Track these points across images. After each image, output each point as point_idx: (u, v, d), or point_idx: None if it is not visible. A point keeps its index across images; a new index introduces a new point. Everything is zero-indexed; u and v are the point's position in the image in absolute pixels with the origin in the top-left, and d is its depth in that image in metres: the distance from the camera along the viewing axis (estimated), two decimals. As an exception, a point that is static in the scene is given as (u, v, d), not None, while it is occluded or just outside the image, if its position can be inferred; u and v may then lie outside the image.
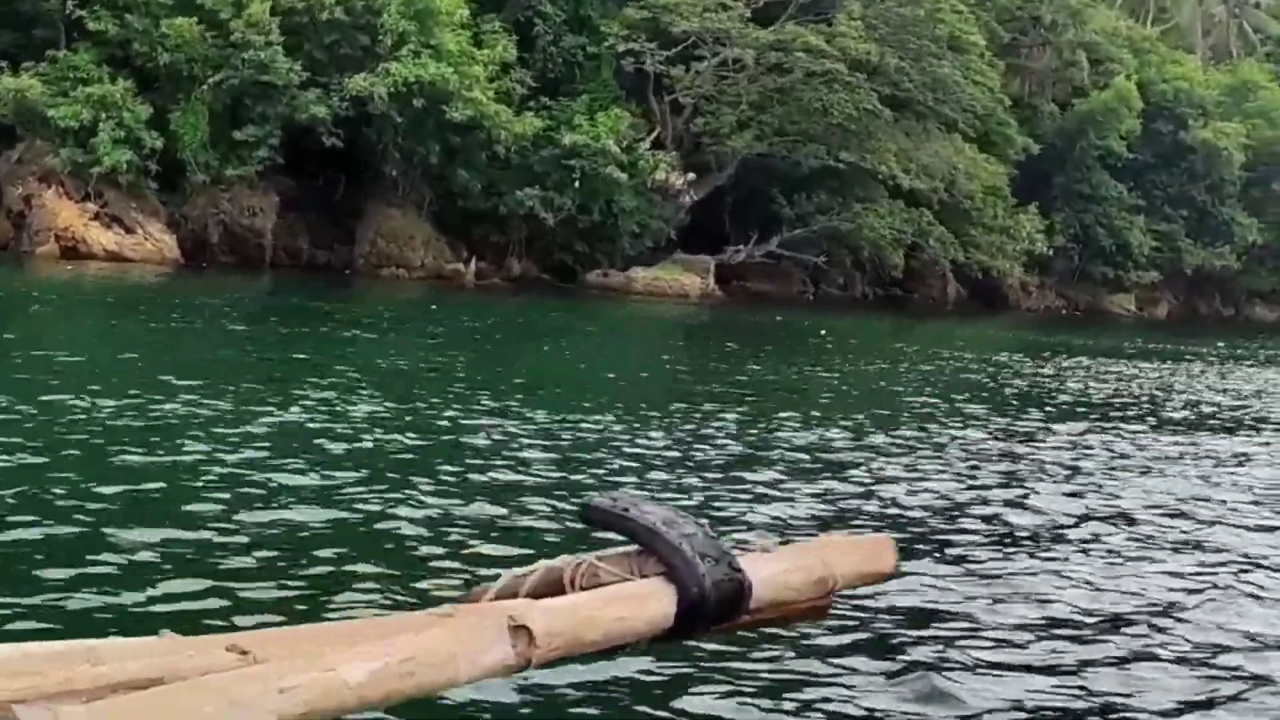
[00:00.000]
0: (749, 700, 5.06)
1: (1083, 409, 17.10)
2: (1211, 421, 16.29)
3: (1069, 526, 9.01)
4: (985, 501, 9.74)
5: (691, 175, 54.13)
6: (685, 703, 5.00)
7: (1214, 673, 5.72)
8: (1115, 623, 6.44)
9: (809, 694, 5.19)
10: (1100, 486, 10.88)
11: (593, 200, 49.86)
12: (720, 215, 56.62)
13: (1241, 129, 71.98)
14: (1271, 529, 9.47)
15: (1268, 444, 14.22)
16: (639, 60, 52.30)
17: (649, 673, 5.16)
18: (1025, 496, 10.08)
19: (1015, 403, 17.02)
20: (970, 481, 10.59)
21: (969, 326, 44.83)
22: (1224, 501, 10.42)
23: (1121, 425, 14.87)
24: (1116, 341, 38.38)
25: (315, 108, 44.23)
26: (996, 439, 13.26)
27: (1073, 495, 10.33)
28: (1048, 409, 16.63)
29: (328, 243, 48.86)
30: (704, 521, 1.60)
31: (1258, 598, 7.19)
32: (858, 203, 56.96)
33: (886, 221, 56.81)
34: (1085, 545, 8.32)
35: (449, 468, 9.72)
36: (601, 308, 39.37)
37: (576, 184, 49.01)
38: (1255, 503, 10.50)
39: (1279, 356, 31.89)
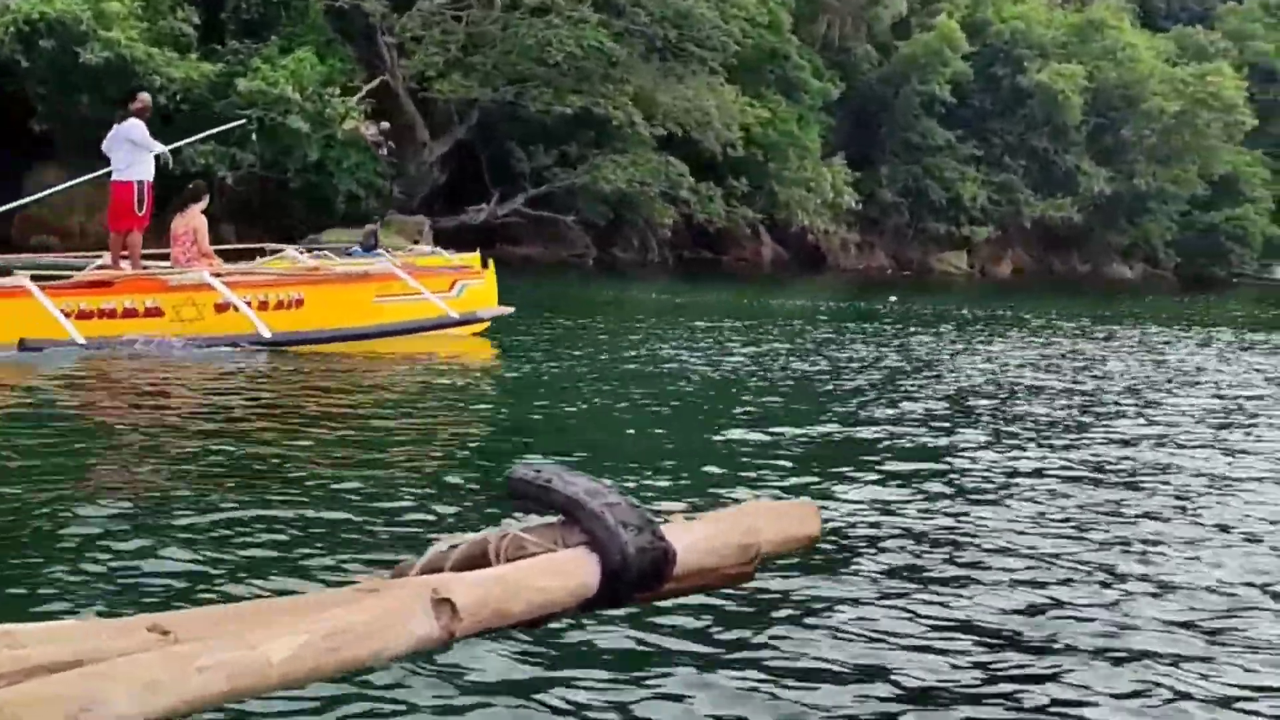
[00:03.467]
0: (674, 668, 6.01)
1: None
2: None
3: (988, 493, 10.60)
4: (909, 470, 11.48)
5: (385, 124, 54.47)
6: (609, 672, 5.92)
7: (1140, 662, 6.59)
8: (1043, 598, 7.57)
9: (733, 662, 6.15)
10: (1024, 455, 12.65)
11: (285, 156, 50.12)
12: (480, 173, 57.38)
13: (1081, 70, 75.53)
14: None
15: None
16: (333, -2, 52.83)
17: (574, 644, 6.15)
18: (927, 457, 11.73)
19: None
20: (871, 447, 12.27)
21: (731, 289, 45.99)
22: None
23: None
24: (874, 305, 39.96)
25: (-81, 50, 43.59)
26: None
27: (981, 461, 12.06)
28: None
29: (-11, 209, 48.21)
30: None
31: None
32: (615, 155, 58.08)
33: (627, 174, 57.90)
34: (1014, 515, 9.76)
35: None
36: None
37: (254, 136, 49.25)
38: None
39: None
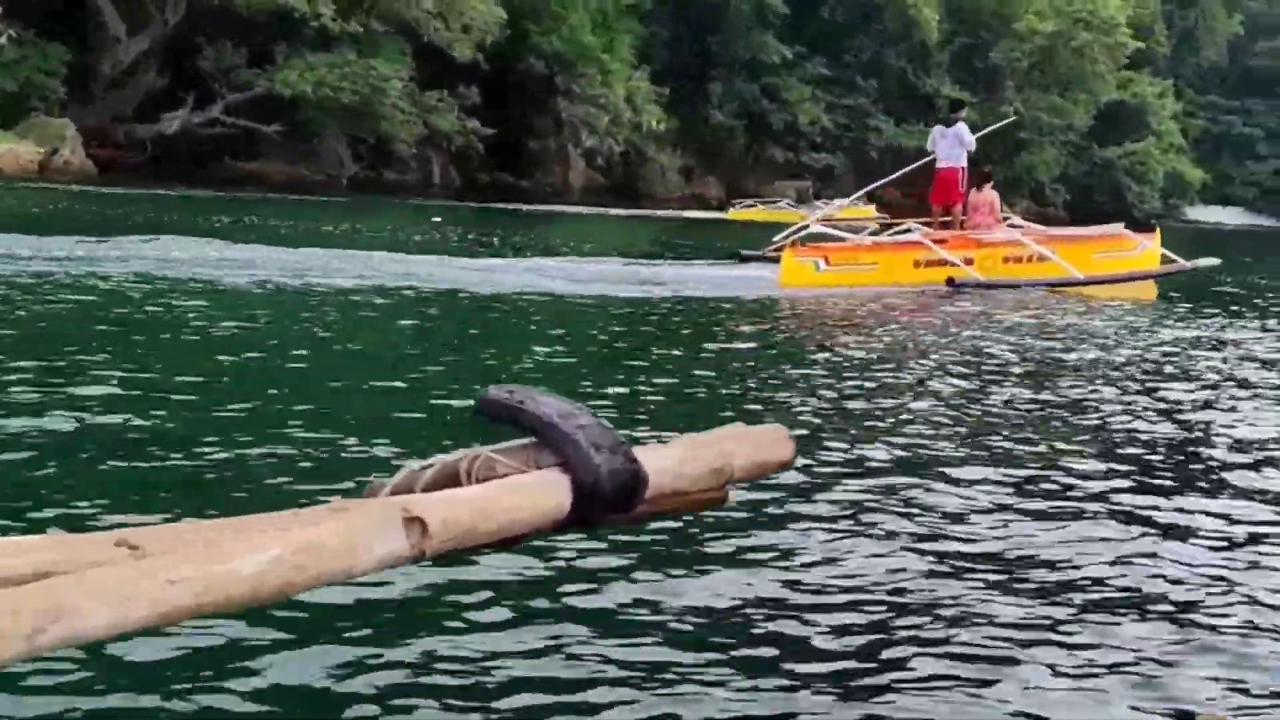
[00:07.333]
0: (644, 591, 6.87)
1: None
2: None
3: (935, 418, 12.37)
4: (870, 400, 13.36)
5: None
6: (582, 594, 6.83)
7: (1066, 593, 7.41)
8: (1002, 529, 8.64)
9: (703, 587, 7.03)
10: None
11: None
12: (194, 76, 57.17)
13: (939, -16, 76.70)
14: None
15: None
16: None
17: (545, 565, 7.14)
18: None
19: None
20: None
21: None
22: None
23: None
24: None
25: None
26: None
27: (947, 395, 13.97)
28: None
29: None
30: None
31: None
32: (311, 54, 58.03)
33: (314, 75, 57.70)
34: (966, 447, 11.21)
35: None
36: None
37: None
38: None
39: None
